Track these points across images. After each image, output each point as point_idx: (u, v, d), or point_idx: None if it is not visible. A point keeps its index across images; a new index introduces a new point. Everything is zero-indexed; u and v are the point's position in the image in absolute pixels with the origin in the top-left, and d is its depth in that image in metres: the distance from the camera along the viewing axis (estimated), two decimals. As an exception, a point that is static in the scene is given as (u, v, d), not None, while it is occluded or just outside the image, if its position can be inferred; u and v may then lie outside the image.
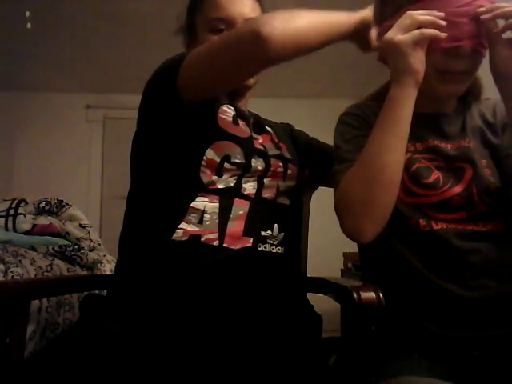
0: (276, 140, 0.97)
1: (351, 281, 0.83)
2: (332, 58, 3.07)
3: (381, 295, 0.67)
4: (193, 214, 0.79)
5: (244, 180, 0.84)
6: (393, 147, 0.77)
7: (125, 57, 3.08)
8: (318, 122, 2.43)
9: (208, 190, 0.81)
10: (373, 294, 0.66)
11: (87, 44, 2.88)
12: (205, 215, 0.80)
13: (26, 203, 2.15)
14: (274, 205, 0.87)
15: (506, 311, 0.78)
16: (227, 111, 0.89)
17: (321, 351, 0.78)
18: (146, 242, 0.80)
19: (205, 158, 0.82)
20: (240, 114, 0.92)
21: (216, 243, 0.78)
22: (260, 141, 0.92)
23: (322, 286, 0.87)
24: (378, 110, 0.81)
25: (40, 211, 1.79)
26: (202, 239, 0.77)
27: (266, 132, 0.97)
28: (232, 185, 0.83)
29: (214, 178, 0.82)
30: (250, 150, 0.86)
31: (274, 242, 0.84)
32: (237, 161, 0.83)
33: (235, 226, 0.80)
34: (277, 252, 0.84)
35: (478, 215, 0.81)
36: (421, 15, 0.76)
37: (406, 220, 0.83)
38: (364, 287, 0.68)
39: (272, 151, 0.91)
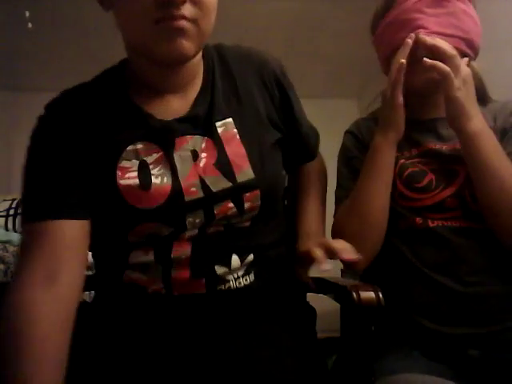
0: (235, 137, 0.72)
1: (351, 281, 0.83)
2: (332, 57, 3.08)
3: (380, 295, 0.67)
4: (134, 265, 0.70)
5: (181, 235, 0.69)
6: (377, 193, 0.85)
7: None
8: (318, 122, 2.43)
9: (139, 245, 0.69)
10: (372, 294, 0.66)
11: (88, 44, 2.88)
12: (146, 265, 0.69)
13: (26, 203, 2.14)
14: (226, 235, 0.71)
15: (500, 308, 0.78)
16: (128, 167, 0.67)
17: (316, 348, 0.76)
18: (103, 276, 0.76)
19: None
20: (158, 139, 0.68)
21: (163, 292, 0.69)
22: (198, 169, 0.68)
23: (322, 285, 0.87)
24: (376, 130, 0.88)
25: (40, 211, 1.79)
26: (149, 290, 0.69)
27: (214, 135, 0.71)
28: (167, 234, 0.68)
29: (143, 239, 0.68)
30: (179, 212, 0.67)
31: (239, 274, 0.71)
32: (165, 234, 0.67)
33: (180, 272, 0.68)
34: (245, 285, 0.71)
35: (474, 214, 0.82)
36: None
37: (404, 220, 0.84)
38: (363, 287, 0.68)
39: (217, 185, 0.68)
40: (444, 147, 0.87)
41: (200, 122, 0.71)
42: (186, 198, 0.67)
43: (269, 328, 0.71)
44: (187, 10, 0.60)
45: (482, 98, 0.93)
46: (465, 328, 0.78)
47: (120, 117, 0.70)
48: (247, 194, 0.70)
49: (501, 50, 1.71)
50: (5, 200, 2.37)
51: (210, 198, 0.68)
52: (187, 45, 0.62)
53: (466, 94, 0.79)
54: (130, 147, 0.68)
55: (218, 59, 0.78)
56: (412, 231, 0.85)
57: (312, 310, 0.85)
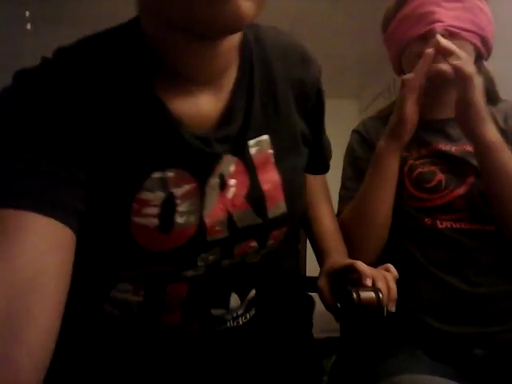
0: (270, 160, 0.56)
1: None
2: (332, 57, 3.07)
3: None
4: (114, 301, 0.58)
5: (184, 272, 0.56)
6: (381, 200, 0.86)
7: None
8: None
9: (131, 278, 0.55)
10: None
11: (87, 44, 2.88)
12: (131, 306, 0.57)
13: (26, 203, 2.14)
14: (229, 271, 0.59)
15: (506, 309, 0.79)
16: (149, 200, 0.49)
17: (313, 349, 0.75)
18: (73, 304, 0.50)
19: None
20: (193, 162, 0.50)
21: (152, 334, 0.59)
22: (226, 202, 0.53)
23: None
24: (382, 130, 0.87)
25: (40, 211, 1.79)
26: (131, 330, 0.59)
27: (246, 156, 0.54)
28: (169, 270, 0.55)
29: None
30: (194, 253, 0.54)
31: (238, 314, 0.63)
32: (168, 270, 0.55)
33: (170, 316, 0.59)
34: (244, 322, 0.64)
35: (483, 216, 0.82)
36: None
37: (413, 220, 0.86)
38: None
39: (245, 220, 0.54)
40: (453, 148, 0.88)
41: (235, 133, 0.53)
42: (209, 238, 0.53)
43: (267, 363, 0.67)
44: None
45: (493, 97, 0.93)
46: (470, 327, 0.78)
47: (144, 118, 0.49)
48: (274, 232, 0.58)
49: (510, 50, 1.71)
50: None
51: (234, 237, 0.55)
52: (247, 4, 0.40)
53: (482, 100, 0.79)
54: (157, 174, 0.49)
55: (257, 47, 0.57)
56: (420, 231, 0.85)
57: (314, 343, 0.80)
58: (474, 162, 0.85)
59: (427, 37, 0.84)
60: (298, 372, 0.71)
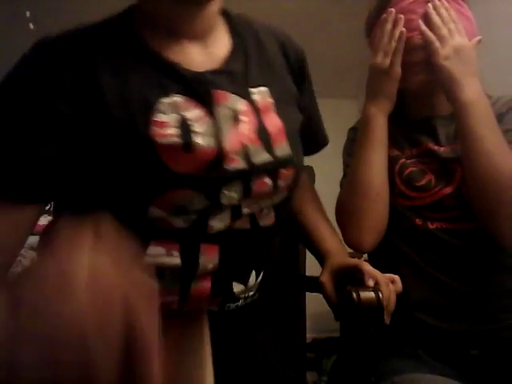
0: (271, 108, 0.64)
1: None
2: (332, 58, 3.07)
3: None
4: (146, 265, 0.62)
5: (211, 216, 0.59)
6: (375, 164, 0.84)
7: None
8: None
9: (162, 235, 0.58)
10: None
11: (87, 44, 2.88)
12: (165, 270, 0.59)
13: (26, 203, 2.14)
14: (252, 238, 0.64)
15: (499, 307, 0.80)
16: (165, 122, 0.55)
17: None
18: None
19: (148, 215, 0.57)
20: (194, 91, 0.58)
21: (174, 307, 0.60)
22: (240, 134, 0.59)
23: (322, 285, 0.87)
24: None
25: (40, 211, 1.79)
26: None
27: (252, 101, 0.62)
28: (195, 221, 0.58)
29: (166, 215, 0.57)
30: (216, 182, 0.58)
31: (250, 294, 0.67)
32: (196, 208, 0.58)
33: (201, 285, 0.61)
34: (247, 303, 0.68)
35: (472, 214, 0.82)
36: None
37: (405, 220, 0.85)
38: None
39: (258, 156, 0.60)
40: (442, 149, 0.88)
41: (237, 80, 0.62)
42: (227, 166, 0.57)
43: (262, 339, 0.69)
44: None
45: None
46: (465, 324, 0.79)
47: (139, 67, 0.58)
48: (283, 171, 0.63)
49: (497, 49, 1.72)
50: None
51: (251, 170, 0.59)
52: None
53: (456, 64, 0.80)
54: (165, 99, 0.56)
55: (247, 25, 0.70)
56: (412, 231, 0.85)
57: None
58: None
59: (407, 45, 0.85)
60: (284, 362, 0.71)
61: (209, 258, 0.60)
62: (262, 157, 0.60)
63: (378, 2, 0.91)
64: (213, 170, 0.56)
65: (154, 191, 0.55)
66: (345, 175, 0.95)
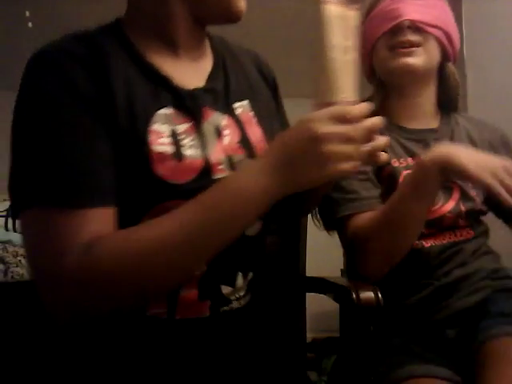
0: (252, 120, 0.68)
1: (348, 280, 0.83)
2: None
3: (379, 295, 0.67)
4: None
5: None
6: (419, 218, 0.79)
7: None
8: (318, 122, 2.43)
9: None
10: (371, 294, 0.67)
11: (87, 44, 2.88)
12: None
13: (26, 203, 2.14)
14: (239, 246, 0.62)
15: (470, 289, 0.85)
16: (161, 132, 0.59)
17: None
18: None
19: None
20: (186, 106, 0.62)
21: (164, 316, 0.61)
22: (224, 146, 0.63)
23: (322, 285, 0.87)
24: None
25: (40, 211, 1.79)
26: (148, 312, 0.60)
27: (233, 115, 0.67)
28: None
29: None
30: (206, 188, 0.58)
31: (240, 294, 0.67)
32: None
33: (188, 292, 0.61)
34: (243, 305, 0.68)
35: (460, 230, 0.87)
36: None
37: None
38: (362, 287, 0.68)
39: (241, 164, 0.64)
40: None
41: (219, 97, 0.66)
42: (213, 176, 0.60)
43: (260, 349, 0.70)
44: None
45: (452, 105, 0.96)
46: (443, 312, 0.83)
47: (137, 75, 0.61)
48: None
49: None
50: (5, 200, 2.37)
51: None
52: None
53: None
54: (161, 111, 0.60)
55: (224, 45, 0.75)
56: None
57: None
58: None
59: (394, 31, 0.87)
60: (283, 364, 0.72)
61: None
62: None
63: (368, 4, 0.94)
64: (202, 180, 0.59)
65: (147, 203, 0.57)
66: (344, 193, 0.86)
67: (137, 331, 0.61)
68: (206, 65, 0.69)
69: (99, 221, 0.53)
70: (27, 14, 2.53)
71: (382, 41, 0.89)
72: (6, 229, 1.82)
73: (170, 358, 0.61)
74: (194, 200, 0.53)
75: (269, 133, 0.69)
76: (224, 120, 0.65)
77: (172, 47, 0.65)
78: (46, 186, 0.53)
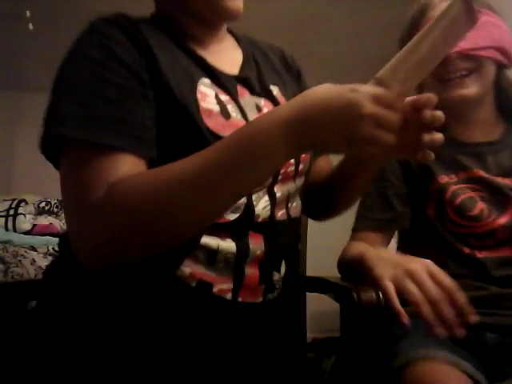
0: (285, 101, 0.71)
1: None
2: (332, 57, 3.07)
3: (380, 295, 0.67)
4: (202, 252, 0.61)
5: (254, 197, 0.63)
6: None
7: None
8: (318, 122, 2.43)
9: (213, 227, 0.60)
10: (372, 294, 0.66)
11: (87, 44, 2.88)
12: (218, 256, 0.62)
13: (26, 203, 2.15)
14: (287, 228, 0.69)
15: None
16: (207, 93, 0.64)
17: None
18: (140, 267, 0.58)
19: None
20: (221, 83, 0.67)
21: (229, 296, 0.63)
22: None
23: (322, 285, 0.87)
24: None
25: (40, 211, 1.80)
26: (214, 290, 0.61)
27: (270, 95, 0.72)
28: (242, 208, 0.62)
29: None
30: None
31: (278, 285, 0.70)
32: None
33: (252, 272, 0.64)
34: (275, 297, 0.70)
35: None
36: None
37: (451, 246, 0.85)
38: (363, 287, 0.68)
39: None
40: (495, 178, 0.86)
41: (254, 84, 0.71)
42: None
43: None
44: None
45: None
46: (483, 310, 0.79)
47: (177, 51, 0.66)
48: (303, 155, 0.70)
49: None
50: (5, 200, 2.37)
51: None
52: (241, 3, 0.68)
53: None
54: (204, 80, 0.65)
55: (250, 41, 0.81)
56: (459, 255, 0.84)
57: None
58: None
59: (442, 64, 0.83)
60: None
61: (257, 244, 0.64)
62: None
63: (415, 12, 0.88)
64: None
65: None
66: (362, 205, 0.92)
67: (203, 311, 0.62)
68: (236, 58, 0.74)
69: (131, 167, 0.55)
70: (27, 14, 2.53)
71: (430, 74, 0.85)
72: (6, 229, 1.82)
73: (219, 339, 0.63)
74: (218, 143, 0.54)
75: None
76: (261, 101, 0.70)
77: (196, 42, 0.70)
78: (88, 123, 0.55)
